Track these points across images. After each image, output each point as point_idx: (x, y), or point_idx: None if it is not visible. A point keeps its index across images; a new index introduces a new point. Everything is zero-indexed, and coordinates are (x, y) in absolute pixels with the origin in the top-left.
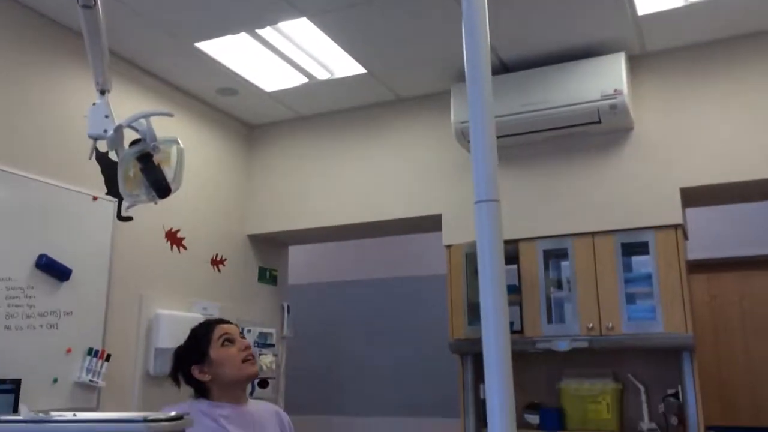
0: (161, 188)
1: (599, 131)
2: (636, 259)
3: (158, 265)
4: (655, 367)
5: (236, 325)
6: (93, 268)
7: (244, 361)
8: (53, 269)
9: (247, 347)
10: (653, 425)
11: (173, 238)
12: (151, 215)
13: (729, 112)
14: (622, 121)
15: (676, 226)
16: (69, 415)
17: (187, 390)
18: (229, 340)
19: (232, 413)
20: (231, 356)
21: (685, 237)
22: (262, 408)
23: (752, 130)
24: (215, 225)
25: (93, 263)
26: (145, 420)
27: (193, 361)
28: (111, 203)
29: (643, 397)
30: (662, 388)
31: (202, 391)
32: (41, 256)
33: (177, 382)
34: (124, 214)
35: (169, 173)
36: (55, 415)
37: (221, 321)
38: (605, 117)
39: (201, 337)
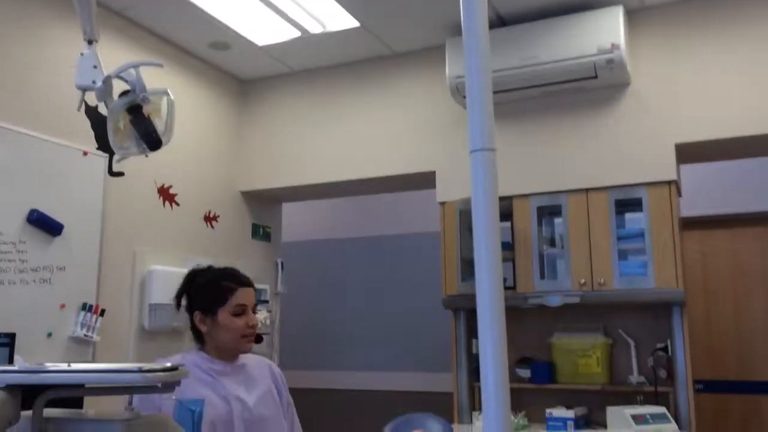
0: (152, 140)
1: (595, 87)
2: (629, 216)
3: (151, 221)
4: (646, 322)
5: (255, 289)
6: (85, 223)
7: (244, 336)
8: (45, 224)
9: (254, 325)
10: (642, 378)
11: (166, 194)
12: (143, 171)
13: (726, 68)
14: (619, 77)
15: (669, 183)
16: (64, 366)
17: (181, 345)
18: (243, 312)
19: (225, 368)
20: (235, 327)
21: (679, 194)
22: (254, 362)
23: (749, 86)
24: (208, 181)
25: (85, 219)
26: (141, 370)
27: (200, 307)
28: (102, 158)
29: (633, 352)
30: (652, 343)
31: (198, 334)
32: (32, 211)
33: (178, 306)
34: (115, 169)
35: (159, 125)
36: (50, 366)
37: (247, 283)
38: (602, 72)
39: (219, 293)
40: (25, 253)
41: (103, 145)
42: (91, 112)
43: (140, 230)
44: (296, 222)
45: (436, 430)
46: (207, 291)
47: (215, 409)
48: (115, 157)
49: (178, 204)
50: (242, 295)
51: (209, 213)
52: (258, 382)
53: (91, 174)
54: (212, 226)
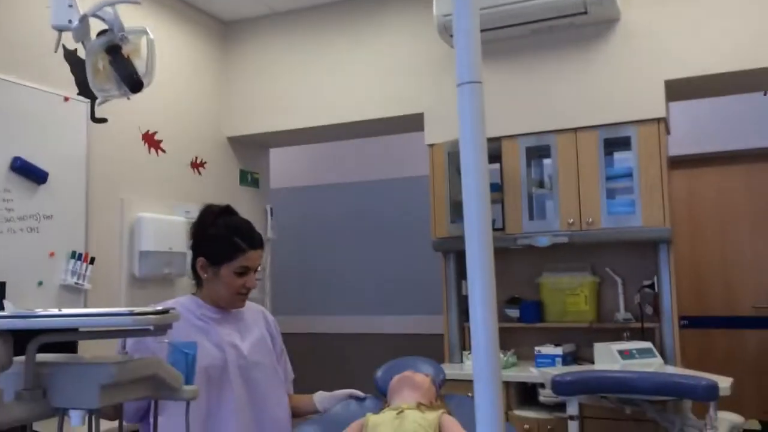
0: (133, 82)
1: (584, 23)
2: (618, 156)
3: (137, 168)
4: (633, 260)
5: (262, 249)
6: (70, 171)
7: (239, 294)
8: (29, 172)
9: (252, 287)
10: (628, 315)
11: (151, 141)
12: (127, 117)
13: (717, 3)
14: (609, 11)
15: (658, 120)
16: (55, 311)
17: (172, 292)
18: (245, 273)
19: (219, 314)
20: (233, 285)
21: (668, 132)
22: (248, 309)
23: (740, 21)
24: (193, 127)
25: (69, 166)
26: (132, 313)
27: (205, 254)
28: (84, 104)
29: (620, 289)
30: (638, 281)
31: (197, 278)
32: (15, 159)
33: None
34: (97, 115)
35: (140, 66)
36: (41, 311)
37: (258, 245)
38: (592, 7)
39: (229, 250)
40: (11, 202)
41: (85, 90)
42: (71, 56)
43: (126, 177)
44: (285, 168)
45: (426, 371)
46: (217, 244)
47: (209, 356)
48: (97, 101)
49: (163, 150)
50: (250, 258)
51: (196, 159)
52: (252, 328)
53: (74, 120)
54: (199, 173)
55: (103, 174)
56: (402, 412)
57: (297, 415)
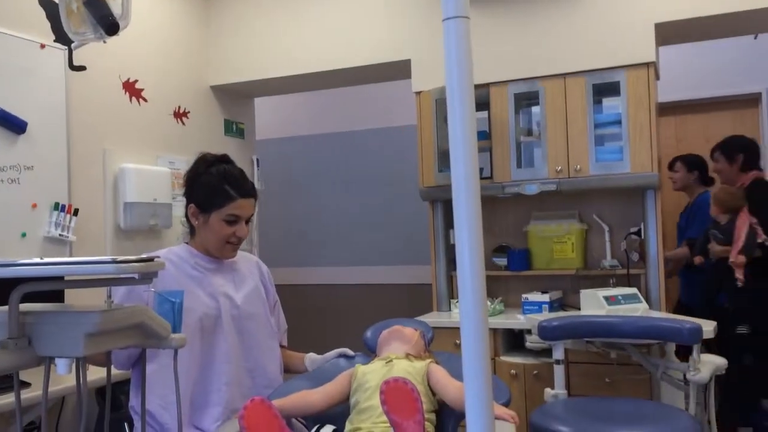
0: (108, 24)
1: None
2: (606, 102)
3: (119, 118)
4: (620, 207)
5: (256, 200)
6: (49, 120)
7: (228, 243)
8: (6, 121)
9: (242, 237)
10: (615, 262)
11: (131, 89)
12: (106, 65)
13: None
14: None
15: (648, 65)
16: (37, 259)
17: (159, 244)
18: (234, 221)
19: (213, 264)
20: (222, 234)
21: (657, 77)
22: (242, 259)
23: None
24: (175, 75)
25: (49, 116)
26: (114, 261)
27: (196, 201)
28: (61, 51)
29: (607, 236)
30: (625, 228)
31: (191, 226)
32: None
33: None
34: (76, 62)
35: (115, 8)
36: (23, 260)
37: (249, 195)
38: None
39: (219, 196)
40: None
41: (61, 36)
42: (46, 2)
43: (108, 127)
44: (271, 119)
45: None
46: (208, 190)
47: (203, 305)
48: (73, 44)
49: (145, 100)
50: (240, 206)
51: (179, 109)
52: (246, 279)
53: (51, 68)
54: (183, 123)
55: (84, 123)
56: (391, 361)
57: (287, 371)
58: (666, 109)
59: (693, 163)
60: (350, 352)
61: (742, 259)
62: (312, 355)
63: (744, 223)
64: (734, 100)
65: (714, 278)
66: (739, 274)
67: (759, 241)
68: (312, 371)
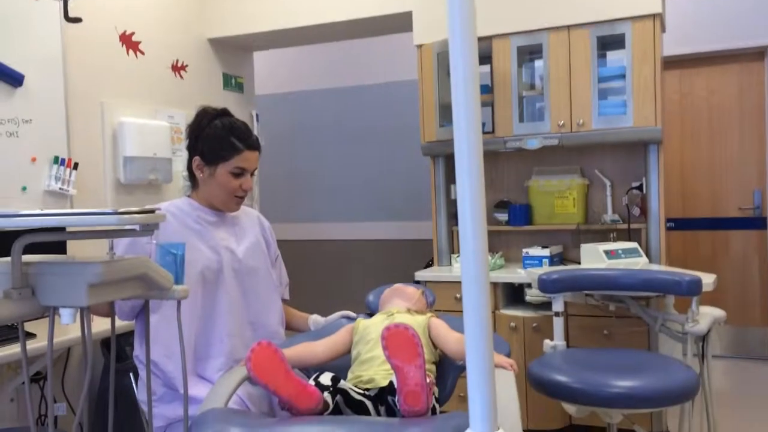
0: None
1: None
2: (611, 56)
3: (116, 71)
4: (622, 162)
5: (259, 151)
6: (46, 73)
7: (235, 196)
8: (3, 74)
9: (248, 189)
10: (616, 216)
11: (128, 42)
12: (102, 16)
13: None
14: None
15: (654, 16)
16: (38, 211)
17: (159, 198)
18: (241, 174)
19: (215, 217)
20: (228, 187)
21: (663, 29)
22: (243, 213)
23: None
24: (172, 28)
25: (45, 69)
26: (116, 212)
27: (201, 154)
28: (56, 2)
29: (608, 191)
30: (627, 183)
31: (193, 180)
32: None
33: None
34: (71, 14)
35: None
36: (23, 211)
37: (255, 147)
38: None
39: (225, 149)
40: None
41: None
42: None
43: (105, 81)
44: (270, 74)
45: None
46: (214, 142)
47: (205, 258)
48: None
49: (142, 52)
50: (246, 158)
51: (177, 62)
52: (247, 233)
53: (47, 20)
54: (181, 76)
55: (81, 76)
56: (392, 314)
57: (290, 329)
58: (670, 63)
59: None
60: (353, 314)
61: None
62: (316, 317)
63: None
64: (740, 53)
65: None
66: None
67: None
68: (314, 331)
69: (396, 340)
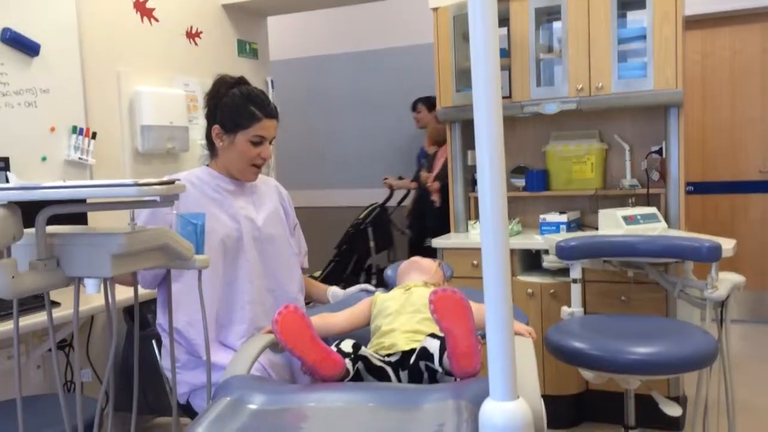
0: None
1: None
2: (631, 16)
3: (131, 39)
4: (641, 126)
5: (277, 120)
6: (62, 43)
7: (253, 165)
8: (20, 44)
9: (266, 158)
10: (635, 181)
11: (143, 9)
12: None
13: None
14: None
15: None
16: (60, 183)
17: (177, 167)
18: (260, 143)
19: (234, 186)
20: (248, 155)
21: None
22: (261, 182)
23: None
24: None
25: (61, 38)
26: (137, 184)
27: (221, 122)
28: None
29: (627, 156)
30: (646, 147)
31: (212, 148)
32: (5, 30)
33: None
34: None
35: None
36: (47, 183)
37: (274, 115)
38: None
39: (245, 117)
40: (5, 75)
41: None
42: None
43: (121, 49)
44: (283, 40)
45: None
46: (233, 111)
47: (225, 227)
48: None
49: (157, 20)
50: (265, 126)
51: (191, 29)
52: (265, 201)
53: None
54: (195, 43)
55: (97, 45)
56: (410, 288)
57: (309, 300)
58: (692, 23)
59: (431, 99)
60: (371, 288)
61: (436, 185)
62: (335, 289)
63: (443, 155)
64: (763, 12)
65: (420, 200)
66: (434, 197)
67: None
68: (333, 303)
69: (444, 304)
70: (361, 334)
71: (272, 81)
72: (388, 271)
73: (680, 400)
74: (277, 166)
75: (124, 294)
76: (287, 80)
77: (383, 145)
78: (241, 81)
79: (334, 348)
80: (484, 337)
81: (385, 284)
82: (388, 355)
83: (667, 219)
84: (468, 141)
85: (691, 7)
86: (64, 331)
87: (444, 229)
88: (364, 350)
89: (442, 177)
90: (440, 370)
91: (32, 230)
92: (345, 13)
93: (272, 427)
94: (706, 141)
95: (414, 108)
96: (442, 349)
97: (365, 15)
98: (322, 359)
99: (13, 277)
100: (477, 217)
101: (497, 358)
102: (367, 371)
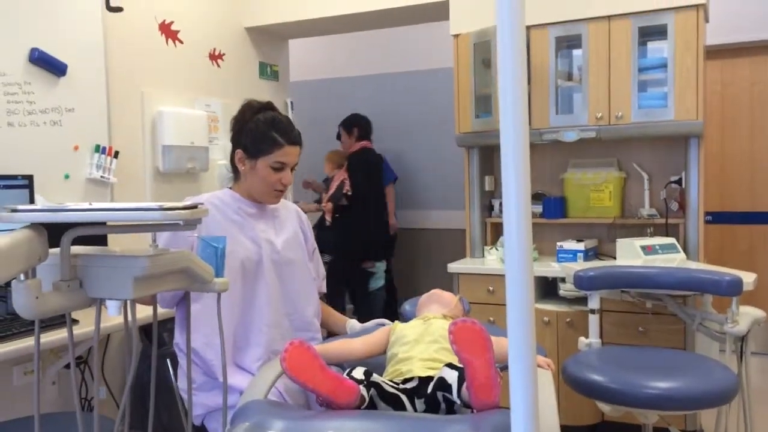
0: None
1: None
2: (652, 46)
3: (155, 60)
4: (661, 155)
5: (300, 146)
6: (88, 63)
7: (275, 190)
8: (48, 64)
9: (287, 184)
10: (653, 211)
11: (167, 31)
12: (142, 6)
13: None
14: None
15: (698, 6)
16: (86, 205)
17: (197, 187)
18: (281, 168)
19: (255, 209)
20: (269, 181)
21: (706, 19)
22: (282, 206)
23: None
24: (210, 16)
25: (87, 58)
26: (161, 208)
27: (244, 147)
28: None
29: (646, 185)
30: (665, 177)
31: (236, 171)
32: (33, 50)
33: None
34: (112, 3)
35: None
36: (72, 205)
37: (296, 142)
38: None
39: (267, 143)
40: (32, 95)
41: None
42: None
43: (145, 70)
44: (304, 61)
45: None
46: (256, 136)
47: (245, 249)
48: None
49: (181, 42)
50: (287, 153)
51: (214, 51)
52: (286, 225)
53: (89, 10)
54: (218, 65)
55: (122, 66)
56: (429, 319)
57: (327, 329)
58: (711, 53)
59: (350, 123)
60: (389, 322)
61: (329, 205)
62: (354, 322)
63: (339, 177)
64: None
65: (319, 220)
66: (327, 216)
67: (344, 191)
68: (351, 335)
69: (464, 335)
70: (375, 364)
71: (292, 102)
72: (407, 306)
73: None
74: (295, 187)
75: (141, 313)
76: (305, 101)
77: (401, 167)
78: (268, 106)
79: (345, 375)
80: (503, 369)
81: (402, 320)
82: (404, 381)
83: (685, 249)
84: (485, 166)
85: (711, 38)
86: (80, 348)
87: (341, 245)
88: (376, 377)
89: (336, 197)
90: (458, 401)
91: (56, 250)
92: (365, 36)
93: None
94: (725, 170)
95: (338, 135)
96: (461, 380)
97: (385, 38)
98: (336, 388)
99: (37, 297)
100: (493, 243)
101: (520, 391)
102: (381, 398)
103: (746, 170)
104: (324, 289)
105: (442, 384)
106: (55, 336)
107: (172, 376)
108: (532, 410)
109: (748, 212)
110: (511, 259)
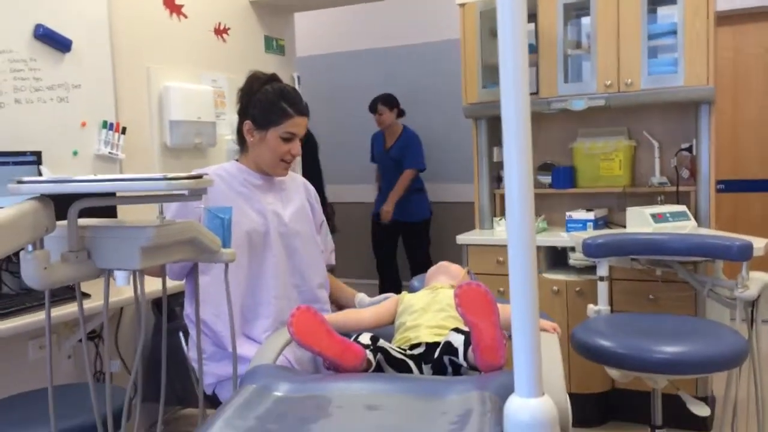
0: None
1: None
2: (661, 11)
3: (160, 36)
4: (671, 123)
5: (308, 117)
6: (93, 39)
7: (283, 161)
8: (53, 40)
9: (296, 155)
10: (664, 179)
11: (172, 6)
12: None
13: None
14: None
15: None
16: (91, 176)
17: (205, 162)
18: (290, 139)
19: (262, 181)
20: (279, 151)
21: None
22: (289, 178)
23: None
24: None
25: (92, 34)
26: (166, 178)
27: (253, 118)
28: None
29: (657, 153)
30: (676, 144)
31: (242, 143)
32: (38, 26)
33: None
34: None
35: None
36: (78, 177)
37: (305, 113)
38: None
39: (276, 113)
40: (38, 71)
41: None
42: None
43: (150, 45)
44: (310, 35)
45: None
46: (265, 107)
47: (251, 221)
48: None
49: (185, 16)
50: (296, 123)
51: (219, 25)
52: (293, 198)
53: None
54: (224, 40)
55: (127, 41)
56: (437, 289)
57: (337, 303)
58: (722, 19)
59: (392, 101)
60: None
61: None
62: (362, 296)
63: None
64: None
65: None
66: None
67: None
68: (359, 309)
69: (469, 297)
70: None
71: (298, 77)
72: (415, 282)
73: (708, 400)
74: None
75: (152, 286)
76: (312, 75)
77: None
78: (274, 78)
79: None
80: (509, 336)
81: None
82: (412, 347)
83: (696, 217)
84: (493, 137)
85: (722, 3)
86: (94, 322)
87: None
88: (383, 342)
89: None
90: (465, 364)
91: (64, 222)
92: (370, 8)
93: (297, 412)
94: (737, 138)
95: (374, 109)
96: (467, 343)
97: (391, 11)
98: (342, 351)
99: (45, 268)
100: (502, 214)
101: (523, 353)
102: (387, 363)
103: (759, 137)
104: (333, 262)
105: (449, 348)
106: (68, 310)
107: (184, 347)
108: (535, 373)
109: (762, 180)
110: (512, 219)
